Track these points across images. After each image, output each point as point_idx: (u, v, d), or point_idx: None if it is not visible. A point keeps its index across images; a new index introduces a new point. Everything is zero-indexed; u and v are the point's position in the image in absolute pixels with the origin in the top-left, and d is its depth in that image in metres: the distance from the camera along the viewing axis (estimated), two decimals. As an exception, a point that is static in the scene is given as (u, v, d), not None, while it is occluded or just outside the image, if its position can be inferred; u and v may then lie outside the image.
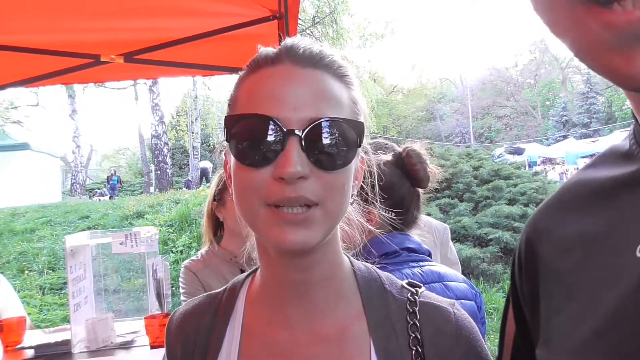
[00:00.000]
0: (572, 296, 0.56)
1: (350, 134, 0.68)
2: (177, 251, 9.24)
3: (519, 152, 24.85)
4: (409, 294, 0.77)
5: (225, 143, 0.72)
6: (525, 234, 0.68)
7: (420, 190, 1.55)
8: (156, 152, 19.31)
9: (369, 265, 0.83)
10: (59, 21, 2.75)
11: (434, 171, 1.52)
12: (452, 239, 2.57)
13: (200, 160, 22.05)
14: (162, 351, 2.21)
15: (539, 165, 30.55)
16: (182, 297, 2.36)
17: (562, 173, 24.69)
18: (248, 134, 0.66)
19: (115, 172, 26.87)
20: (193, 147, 21.06)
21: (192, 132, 21.30)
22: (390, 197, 1.47)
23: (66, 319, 7.51)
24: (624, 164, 0.57)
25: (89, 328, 2.28)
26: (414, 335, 0.72)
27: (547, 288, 0.61)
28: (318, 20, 16.52)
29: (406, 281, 0.81)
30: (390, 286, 0.79)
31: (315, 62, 0.69)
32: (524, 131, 50.06)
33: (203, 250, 2.50)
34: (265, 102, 0.66)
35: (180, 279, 2.35)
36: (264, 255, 0.76)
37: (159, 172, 19.46)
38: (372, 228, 1.46)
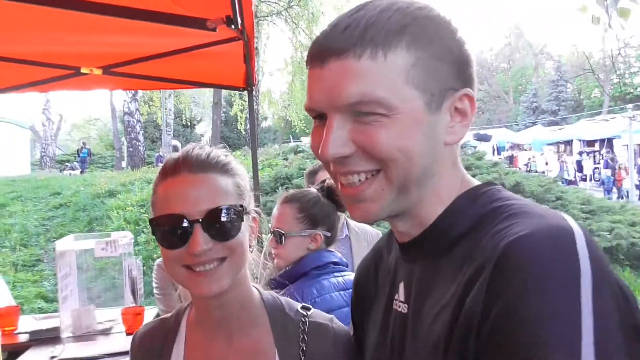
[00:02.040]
0: (369, 327, 0.95)
1: (235, 213, 1.02)
2: (148, 231, 9.51)
3: (485, 138, 25.55)
4: (301, 316, 1.12)
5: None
6: (356, 273, 1.06)
7: None
8: (129, 129, 19.19)
9: (273, 293, 1.18)
10: (41, 33, 2.98)
11: None
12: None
13: (172, 138, 22.00)
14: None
15: (507, 150, 31.29)
16: (155, 291, 2.74)
17: (529, 159, 25.35)
18: (166, 227, 0.99)
19: (85, 145, 26.41)
20: (166, 122, 20.98)
21: (165, 109, 21.19)
22: (327, 222, 1.94)
23: (40, 296, 7.76)
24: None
25: (75, 317, 2.68)
26: (302, 345, 1.09)
27: (366, 315, 0.99)
28: (293, 3, 16.60)
29: (300, 305, 1.16)
30: (289, 310, 1.14)
31: (204, 166, 1.03)
32: (496, 115, 50.78)
33: None
34: (174, 204, 1.00)
35: (153, 276, 2.73)
36: (192, 295, 1.11)
37: (131, 149, 19.40)
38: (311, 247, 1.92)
